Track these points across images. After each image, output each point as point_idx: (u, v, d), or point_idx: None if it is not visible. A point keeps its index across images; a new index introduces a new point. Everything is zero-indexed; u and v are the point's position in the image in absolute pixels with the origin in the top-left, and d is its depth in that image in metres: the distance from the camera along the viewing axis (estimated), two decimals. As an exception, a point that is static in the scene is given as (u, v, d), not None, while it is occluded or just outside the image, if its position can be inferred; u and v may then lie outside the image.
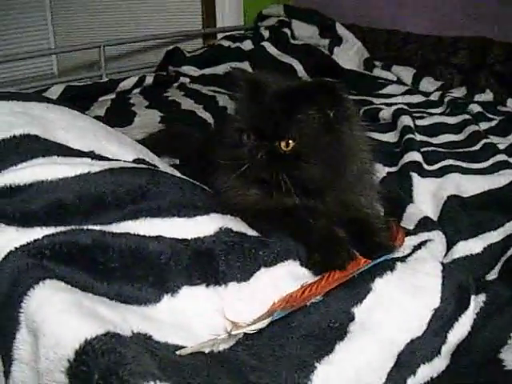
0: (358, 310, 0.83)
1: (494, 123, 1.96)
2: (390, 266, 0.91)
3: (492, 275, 1.10)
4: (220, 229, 0.88)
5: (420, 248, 1.01)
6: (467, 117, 1.96)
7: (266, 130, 0.93)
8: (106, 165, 0.92)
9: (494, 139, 1.76)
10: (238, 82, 1.01)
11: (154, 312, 0.75)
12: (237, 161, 0.94)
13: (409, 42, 2.67)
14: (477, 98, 2.26)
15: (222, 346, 0.75)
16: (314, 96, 0.94)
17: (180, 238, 0.84)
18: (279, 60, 2.72)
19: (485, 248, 1.15)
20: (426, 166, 1.50)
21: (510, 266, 1.08)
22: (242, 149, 0.95)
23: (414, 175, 1.41)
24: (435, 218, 1.25)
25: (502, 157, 1.58)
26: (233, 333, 0.75)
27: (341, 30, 2.83)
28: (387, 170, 1.47)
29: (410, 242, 1.04)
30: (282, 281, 0.85)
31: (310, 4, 3.03)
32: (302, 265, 0.90)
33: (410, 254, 0.98)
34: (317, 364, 0.74)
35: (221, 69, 2.64)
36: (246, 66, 2.61)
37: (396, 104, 2.15)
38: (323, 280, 0.85)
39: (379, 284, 0.87)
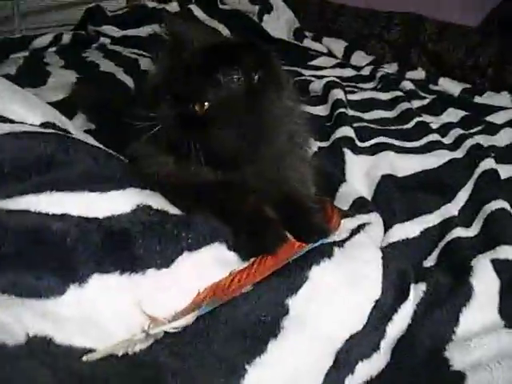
0: (292, 302, 0.71)
1: (426, 102, 1.90)
2: (327, 251, 0.80)
3: (430, 261, 1.03)
4: (137, 206, 0.74)
5: (358, 232, 0.91)
6: (399, 94, 1.89)
7: (181, 90, 0.80)
8: (6, 128, 0.76)
9: (426, 118, 1.70)
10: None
11: (58, 306, 0.61)
12: (151, 122, 0.81)
13: (341, 14, 2.59)
14: (409, 75, 2.19)
15: (139, 347, 0.62)
16: (236, 55, 0.81)
17: (90, 216, 0.70)
18: (206, 25, 2.53)
19: (422, 232, 1.09)
20: (358, 143, 1.41)
21: (449, 253, 1.01)
22: (156, 110, 0.81)
23: (347, 151, 1.31)
24: (369, 199, 1.17)
25: (434, 136, 1.52)
26: (151, 332, 0.63)
27: (272, -4, 2.70)
28: (318, 144, 1.37)
29: (347, 224, 0.94)
30: (207, 267, 0.73)
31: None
32: (229, 248, 0.77)
33: (347, 239, 0.87)
34: (247, 367, 0.63)
35: (144, 31, 2.43)
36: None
37: (327, 77, 2.06)
38: (254, 267, 0.73)
39: (316, 272, 0.76)
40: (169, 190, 0.82)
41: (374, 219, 1.01)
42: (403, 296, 0.82)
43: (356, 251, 0.84)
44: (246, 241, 0.78)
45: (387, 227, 1.07)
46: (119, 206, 0.73)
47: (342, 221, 0.92)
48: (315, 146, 1.22)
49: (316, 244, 0.80)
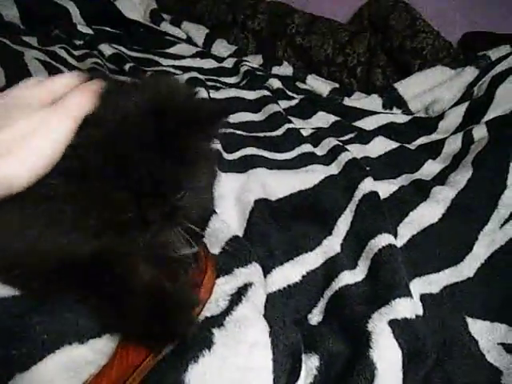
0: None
1: (294, 102, 1.75)
2: (205, 339, 0.62)
3: (315, 315, 0.88)
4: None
5: (240, 300, 0.73)
6: (266, 93, 1.73)
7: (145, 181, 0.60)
8: None
9: (295, 122, 1.56)
10: None
11: None
12: None
13: (203, -3, 2.38)
14: (275, 70, 2.04)
15: None
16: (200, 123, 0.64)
17: None
18: (52, 1, 2.20)
19: (304, 276, 0.92)
20: (225, 155, 1.23)
21: (338, 308, 0.86)
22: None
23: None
24: (242, 232, 0.99)
25: (307, 147, 1.37)
26: None
27: (127, -28, 2.42)
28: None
29: (225, 287, 0.76)
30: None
31: None
32: (82, 343, 0.59)
33: (227, 311, 0.70)
34: None
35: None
36: (9, 1, 2.08)
37: (187, 69, 1.86)
38: (113, 369, 0.55)
39: (194, 374, 0.58)
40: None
41: (255, 275, 0.82)
42: (294, 377, 0.68)
43: (240, 331, 0.67)
44: (146, 327, 0.60)
45: (266, 272, 0.89)
46: None
47: (219, 281, 0.73)
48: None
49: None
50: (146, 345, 0.60)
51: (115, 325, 0.62)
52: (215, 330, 0.65)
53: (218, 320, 0.68)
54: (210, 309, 0.70)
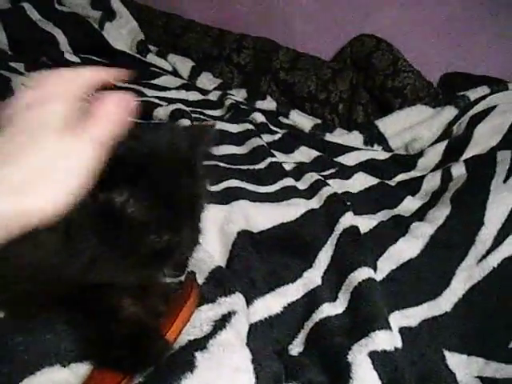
0: None
1: (277, 137, 1.77)
2: (188, 362, 0.63)
3: (296, 346, 0.89)
4: None
5: (224, 327, 0.74)
6: (250, 127, 1.75)
7: None
8: None
9: (278, 156, 1.58)
10: None
11: None
12: None
13: (190, 30, 2.41)
14: (259, 104, 2.07)
15: None
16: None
17: None
18: (40, 27, 2.21)
19: (285, 307, 0.94)
20: (209, 187, 1.24)
21: (318, 339, 0.87)
22: None
23: (198, 200, 1.13)
24: (224, 262, 1.00)
25: (289, 181, 1.39)
26: None
27: (116, 3, 2.45)
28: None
29: (209, 313, 0.77)
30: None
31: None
32: (64, 366, 0.60)
33: (211, 335, 0.71)
34: None
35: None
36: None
37: (172, 100, 1.88)
38: None
39: None
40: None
41: (238, 304, 0.84)
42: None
43: (223, 356, 0.69)
44: (123, 351, 0.62)
45: (248, 302, 0.90)
46: None
47: (204, 308, 0.75)
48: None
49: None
50: (120, 370, 0.61)
51: (93, 349, 0.63)
52: (198, 354, 0.66)
53: (202, 343, 0.69)
54: (194, 333, 0.72)
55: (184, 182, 0.66)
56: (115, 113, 0.52)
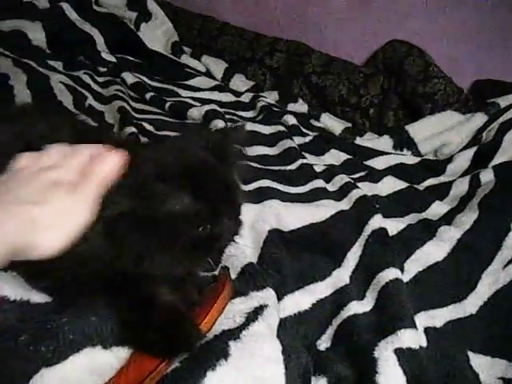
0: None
1: (308, 139, 1.81)
2: (222, 350, 0.67)
3: (324, 342, 0.92)
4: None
5: (256, 319, 0.78)
6: (282, 128, 1.79)
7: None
8: None
9: (309, 158, 1.61)
10: None
11: None
12: None
13: (224, 32, 2.45)
14: (290, 107, 2.11)
15: None
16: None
17: None
18: (78, 27, 2.28)
19: (313, 304, 0.97)
20: (242, 186, 1.28)
21: (346, 335, 0.90)
22: None
23: (231, 198, 1.16)
24: (256, 259, 1.03)
25: (319, 183, 1.43)
26: None
27: (152, 5, 2.52)
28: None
29: (241, 306, 0.81)
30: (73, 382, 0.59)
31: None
32: (105, 348, 0.64)
33: (244, 326, 0.75)
34: None
35: (7, 25, 2.14)
36: (37, 26, 2.18)
37: (205, 101, 1.93)
38: (129, 372, 0.61)
39: (212, 381, 0.63)
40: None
41: (270, 299, 0.87)
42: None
43: (255, 345, 0.72)
44: (159, 336, 0.66)
45: (278, 298, 0.93)
46: None
47: (236, 300, 0.80)
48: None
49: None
50: (155, 354, 0.65)
51: (131, 333, 0.67)
52: (231, 343, 0.69)
53: (235, 333, 0.72)
54: (227, 323, 0.75)
55: (221, 178, 0.71)
56: (110, 172, 0.62)
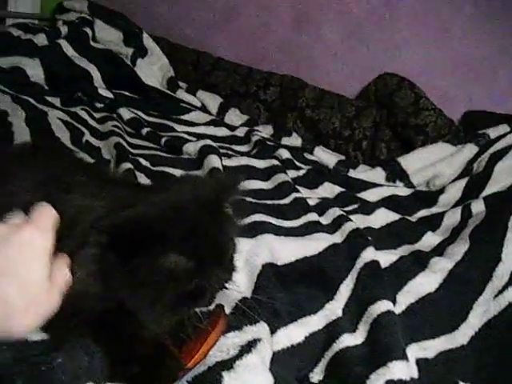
0: None
1: (301, 172, 1.83)
2: (216, 380, 0.70)
3: (316, 374, 0.93)
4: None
5: (250, 350, 0.80)
6: (276, 162, 1.82)
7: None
8: None
9: (302, 192, 1.63)
10: None
11: None
12: None
13: (218, 68, 2.51)
14: (284, 140, 2.14)
15: None
16: None
17: None
18: (75, 63, 2.34)
19: (306, 337, 0.98)
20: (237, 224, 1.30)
21: (338, 368, 0.91)
22: None
23: (226, 234, 1.18)
24: (250, 293, 1.05)
25: (313, 216, 1.44)
26: None
27: (147, 41, 2.58)
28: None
29: (235, 340, 0.83)
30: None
31: (119, 7, 2.72)
32: None
33: (237, 357, 0.77)
34: None
35: (6, 62, 2.18)
36: (36, 63, 2.22)
37: (201, 136, 1.96)
38: None
39: None
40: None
41: (263, 333, 0.89)
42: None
43: (248, 377, 0.74)
44: (141, 369, 0.68)
45: (271, 331, 0.94)
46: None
47: (230, 334, 0.81)
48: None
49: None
50: None
51: (113, 367, 0.69)
52: (225, 373, 0.71)
53: (228, 364, 0.74)
54: (221, 356, 0.77)
55: (210, 234, 0.73)
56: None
